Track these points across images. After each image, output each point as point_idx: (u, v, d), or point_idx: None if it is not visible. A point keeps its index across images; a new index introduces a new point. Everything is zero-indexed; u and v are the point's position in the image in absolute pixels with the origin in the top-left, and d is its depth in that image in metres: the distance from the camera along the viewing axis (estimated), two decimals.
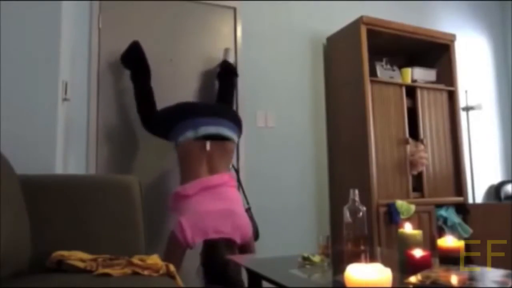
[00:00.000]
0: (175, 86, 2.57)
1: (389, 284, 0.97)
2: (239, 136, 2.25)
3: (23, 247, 1.31)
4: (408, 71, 3.07)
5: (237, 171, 2.53)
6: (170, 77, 2.54)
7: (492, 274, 1.32)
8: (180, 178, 2.13)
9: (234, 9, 2.83)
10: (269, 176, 2.85)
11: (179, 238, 1.85)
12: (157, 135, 2.27)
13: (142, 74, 2.29)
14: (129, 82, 2.38)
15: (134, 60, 2.29)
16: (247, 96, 2.80)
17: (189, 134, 2.05)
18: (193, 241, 1.86)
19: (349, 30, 2.95)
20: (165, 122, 2.17)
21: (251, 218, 2.26)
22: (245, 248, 1.99)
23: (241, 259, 1.85)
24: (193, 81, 2.64)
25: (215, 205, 1.94)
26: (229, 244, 1.91)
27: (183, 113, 2.12)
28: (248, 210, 2.31)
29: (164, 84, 2.45)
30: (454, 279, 1.22)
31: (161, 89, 2.39)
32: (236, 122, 2.21)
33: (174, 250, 1.86)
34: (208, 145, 2.05)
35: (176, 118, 2.12)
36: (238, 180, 2.46)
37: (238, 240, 1.94)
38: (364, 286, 0.97)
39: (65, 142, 2.06)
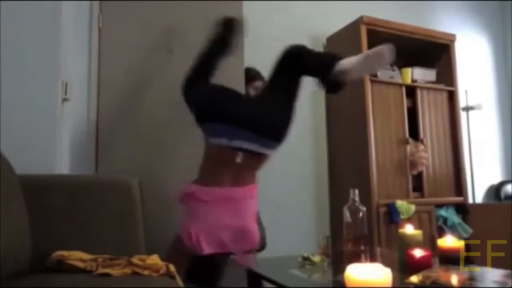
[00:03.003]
0: (176, 80, 2.54)
1: (389, 284, 0.97)
2: (280, 145, 1.95)
3: (23, 247, 1.31)
4: (408, 71, 3.07)
5: None
6: (171, 72, 2.53)
7: (492, 274, 1.32)
8: (199, 174, 1.94)
9: (240, 3, 2.77)
10: (269, 176, 2.84)
11: (187, 244, 1.75)
12: (189, 107, 2.04)
13: (224, 46, 2.10)
14: (129, 82, 2.38)
15: (231, 33, 2.11)
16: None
17: (222, 141, 1.81)
18: (197, 249, 1.75)
19: (349, 30, 2.95)
20: (201, 109, 1.94)
21: (259, 223, 2.23)
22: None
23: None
24: None
25: (232, 221, 1.80)
26: (226, 257, 1.85)
27: (222, 113, 1.84)
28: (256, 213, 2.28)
29: (165, 79, 2.44)
30: (454, 279, 1.22)
31: (162, 83, 2.38)
32: (280, 138, 1.89)
33: (180, 254, 1.76)
34: (239, 158, 1.82)
35: (212, 115, 1.86)
36: None
37: (240, 254, 1.87)
38: (364, 286, 0.97)
39: (65, 142, 2.06)
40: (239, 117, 1.83)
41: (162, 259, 1.38)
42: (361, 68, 1.82)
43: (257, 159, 1.89)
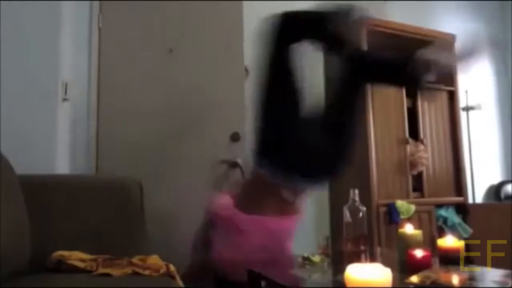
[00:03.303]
0: (176, 80, 2.54)
1: (389, 284, 0.97)
2: None
3: (23, 247, 1.32)
4: None
5: (241, 168, 2.48)
6: (170, 71, 2.53)
7: (492, 274, 1.32)
8: (241, 195, 1.81)
9: (240, 3, 2.78)
10: None
11: (215, 265, 1.68)
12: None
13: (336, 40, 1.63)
14: (129, 82, 2.37)
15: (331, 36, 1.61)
16: (247, 96, 2.80)
17: (287, 185, 1.68)
18: (227, 274, 1.68)
19: None
20: (274, 153, 1.68)
21: None
22: None
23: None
24: (195, 76, 2.61)
25: (272, 252, 1.66)
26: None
27: (306, 171, 1.67)
28: None
29: (164, 79, 2.44)
30: (454, 279, 1.22)
31: (161, 82, 2.38)
32: (340, 175, 1.82)
33: (207, 273, 1.70)
34: (291, 198, 1.71)
35: (294, 168, 1.64)
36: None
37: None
38: (364, 286, 0.96)
39: (65, 142, 2.06)
40: (319, 174, 1.70)
41: (163, 259, 1.38)
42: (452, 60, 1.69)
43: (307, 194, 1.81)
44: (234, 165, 2.35)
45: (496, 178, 3.82)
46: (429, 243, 2.66)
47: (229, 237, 1.70)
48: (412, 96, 3.03)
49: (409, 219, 2.64)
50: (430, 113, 3.08)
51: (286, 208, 1.74)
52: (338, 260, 1.60)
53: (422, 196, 2.93)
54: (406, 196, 2.83)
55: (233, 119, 2.51)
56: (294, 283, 1.56)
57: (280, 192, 1.70)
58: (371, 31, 2.85)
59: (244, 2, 2.79)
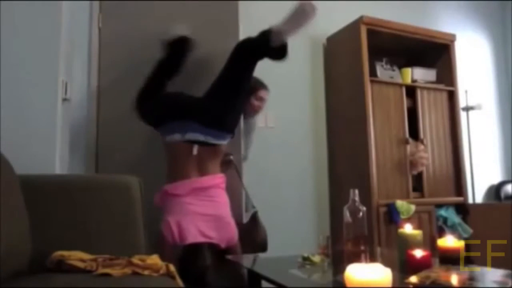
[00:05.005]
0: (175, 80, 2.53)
1: (389, 284, 0.97)
2: (232, 137, 2.16)
3: (23, 247, 1.31)
4: (408, 71, 3.07)
5: (235, 165, 2.46)
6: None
7: (492, 274, 1.32)
8: (168, 174, 2.09)
9: (236, 3, 2.78)
10: (269, 176, 2.84)
11: (167, 237, 1.84)
12: (143, 121, 2.18)
13: (170, 65, 2.22)
14: (130, 82, 2.37)
15: (177, 51, 2.22)
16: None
17: (176, 137, 2.00)
18: (181, 241, 1.84)
19: (349, 30, 2.95)
20: (153, 115, 2.12)
21: (258, 223, 2.23)
22: (230, 252, 1.96)
23: (238, 259, 1.87)
24: (192, 75, 2.60)
25: (205, 209, 1.93)
26: (212, 248, 1.90)
27: (172, 112, 2.03)
28: (255, 214, 2.28)
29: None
30: (454, 279, 1.22)
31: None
32: (227, 130, 2.09)
33: (163, 250, 1.81)
34: (195, 150, 1.99)
35: (164, 115, 2.04)
36: (239, 178, 2.42)
37: (223, 245, 1.93)
38: (364, 286, 0.97)
39: (65, 142, 2.06)
40: (189, 111, 2.00)
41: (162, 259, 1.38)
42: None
43: (213, 149, 2.03)
44: (228, 162, 2.34)
45: (496, 178, 3.82)
46: (429, 243, 2.66)
47: (168, 207, 1.93)
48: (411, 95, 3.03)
49: (409, 219, 2.64)
50: (430, 113, 3.08)
51: (205, 168, 2.01)
52: (338, 260, 1.60)
53: (422, 196, 2.93)
54: (406, 196, 2.83)
55: None
56: (235, 244, 1.98)
57: (189, 150, 1.98)
58: (371, 31, 2.86)
59: (240, 2, 2.79)
